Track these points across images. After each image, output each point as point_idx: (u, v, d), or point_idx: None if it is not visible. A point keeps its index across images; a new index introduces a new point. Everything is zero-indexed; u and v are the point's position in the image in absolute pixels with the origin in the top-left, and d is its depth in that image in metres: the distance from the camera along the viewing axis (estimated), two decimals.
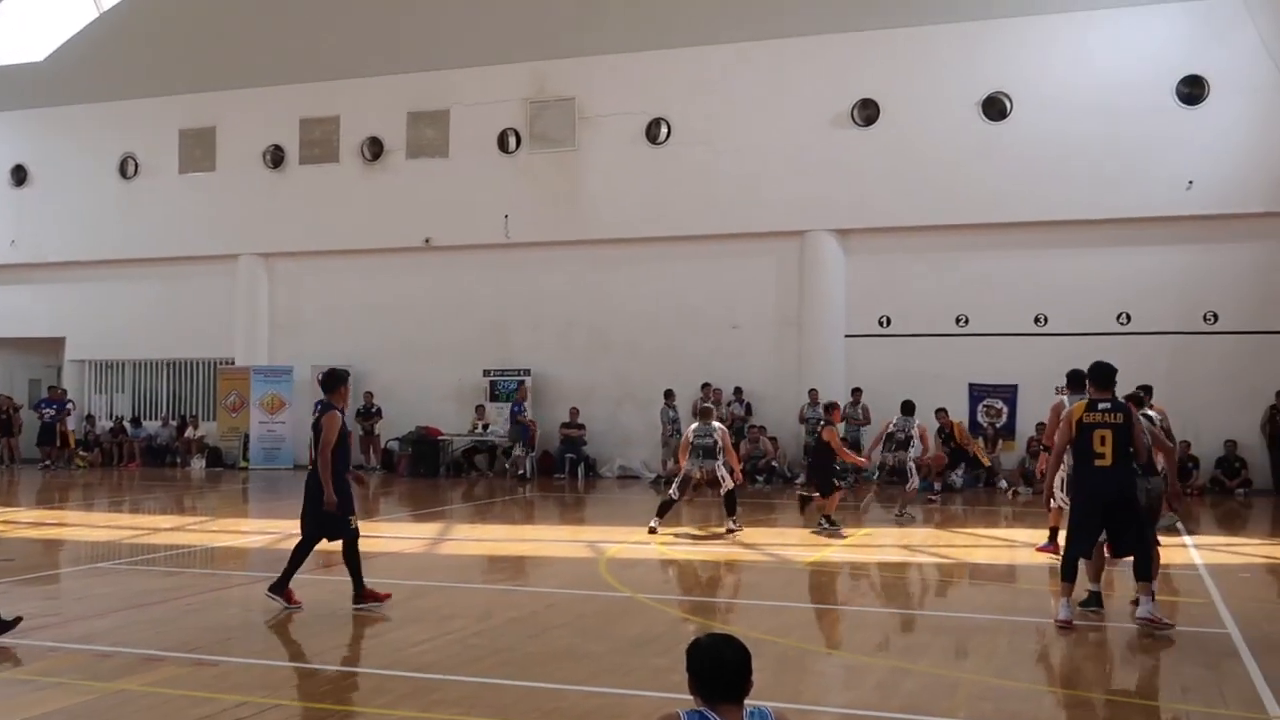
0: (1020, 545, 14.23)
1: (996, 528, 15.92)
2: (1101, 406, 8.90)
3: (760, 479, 22.00)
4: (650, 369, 23.90)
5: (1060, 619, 8.87)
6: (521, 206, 24.80)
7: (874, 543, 14.56)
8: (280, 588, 9.45)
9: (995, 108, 22.08)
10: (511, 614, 9.47)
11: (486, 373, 25.09)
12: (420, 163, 25.84)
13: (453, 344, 25.41)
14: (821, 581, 12.06)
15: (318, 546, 9.65)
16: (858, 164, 22.68)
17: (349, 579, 9.54)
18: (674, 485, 15.12)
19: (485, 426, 24.40)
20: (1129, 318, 21.53)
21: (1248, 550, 13.42)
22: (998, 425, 22.13)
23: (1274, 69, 20.24)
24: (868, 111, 22.83)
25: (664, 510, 14.87)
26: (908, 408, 17.25)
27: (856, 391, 22.31)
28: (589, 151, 24.58)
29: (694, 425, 15.42)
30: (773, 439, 22.67)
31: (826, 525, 14.84)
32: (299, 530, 9.57)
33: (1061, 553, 9.15)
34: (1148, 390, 12.85)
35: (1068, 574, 8.98)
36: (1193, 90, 21.04)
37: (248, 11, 26.58)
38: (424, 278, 25.90)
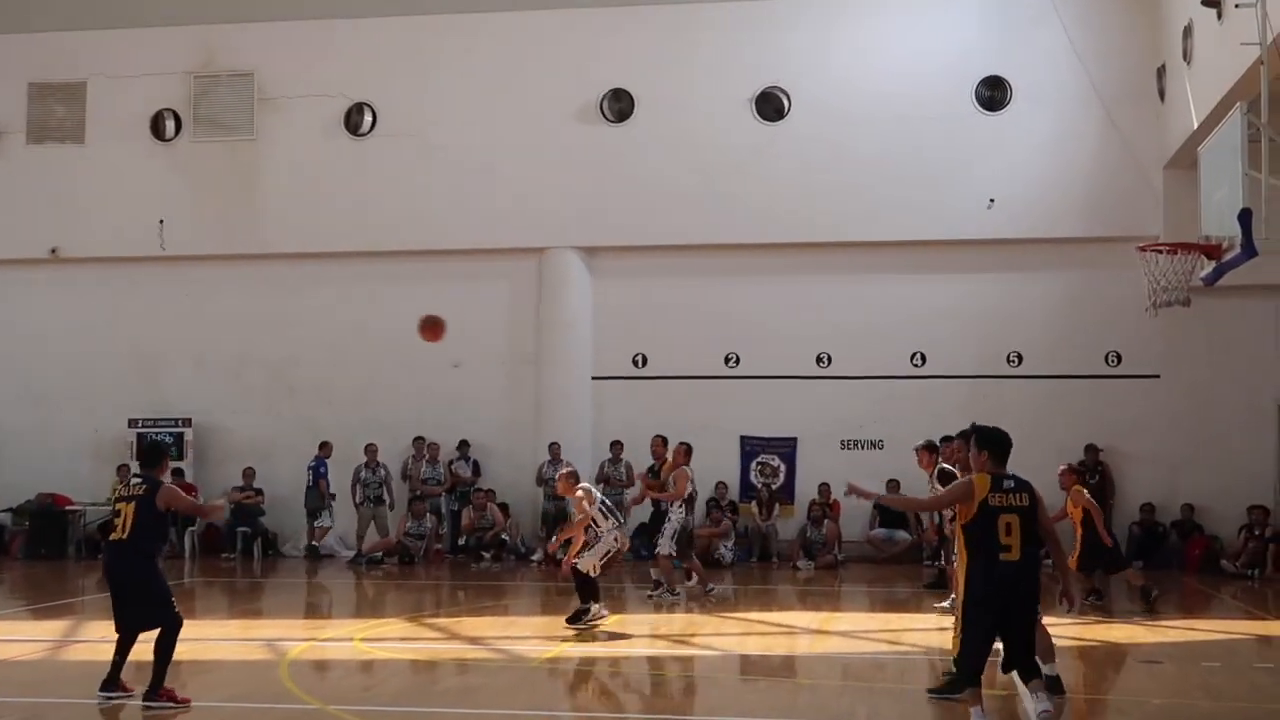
0: (802, 632, 14.67)
1: (772, 610, 16.36)
2: (1007, 485, 8.79)
3: (487, 556, 21.92)
4: (347, 419, 23.45)
5: None
6: (181, 210, 24.03)
7: (624, 632, 14.70)
8: (154, 692, 9.90)
9: (771, 105, 22.90)
10: None
11: (133, 423, 24.06)
12: (47, 150, 24.70)
13: (87, 386, 24.28)
14: (560, 683, 12.09)
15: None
16: (608, 168, 23.06)
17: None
18: (595, 560, 14.67)
19: None
20: (924, 359, 22.63)
21: (1055, 632, 14.21)
22: (774, 486, 22.77)
23: (1081, 71, 21.81)
24: (620, 105, 23.27)
25: (588, 595, 14.47)
26: None
27: (616, 446, 22.48)
28: (271, 142, 24.07)
29: (596, 488, 15.41)
30: (503, 506, 22.62)
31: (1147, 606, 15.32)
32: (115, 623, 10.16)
33: (956, 668, 9.10)
34: (948, 441, 13.45)
35: (972, 681, 8.94)
36: (994, 94, 22.42)
37: None
38: (49, 299, 24.69)
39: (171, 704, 9.85)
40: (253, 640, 14.12)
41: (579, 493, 15.01)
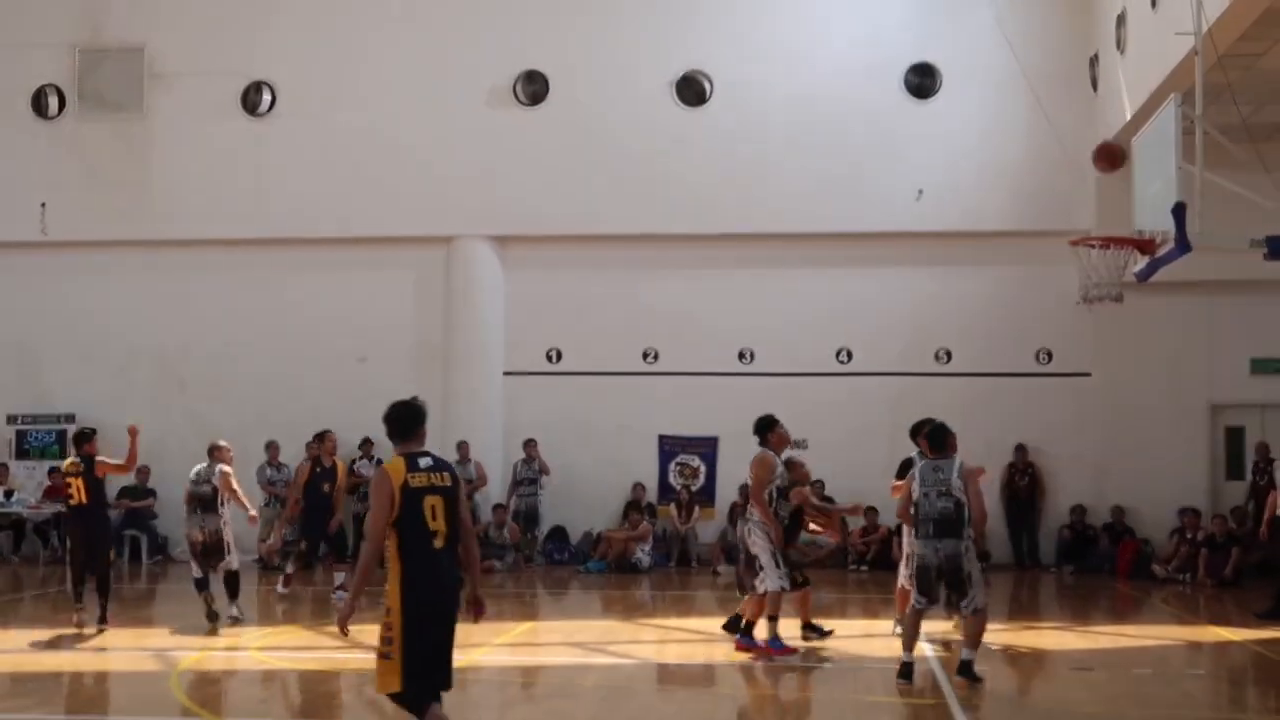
0: (722, 639, 14.76)
1: (690, 617, 16.44)
2: (424, 464, 7.87)
3: None
4: (243, 415, 23.15)
5: None
6: (65, 192, 23.65)
7: (537, 640, 14.71)
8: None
9: (692, 90, 22.98)
10: None
11: (12, 419, 23.73)
12: None
13: None
14: (470, 694, 12.08)
15: None
16: (522, 153, 22.98)
17: None
18: None
19: (9, 493, 23.04)
20: (850, 355, 22.83)
21: (984, 638, 14.41)
22: (693, 488, 22.87)
23: (1012, 59, 22.04)
24: (534, 87, 23.23)
25: None
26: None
27: (529, 444, 22.51)
28: (163, 121, 23.75)
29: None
30: None
31: None
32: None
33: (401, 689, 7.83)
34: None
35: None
36: (923, 81, 22.66)
37: None
38: None
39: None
40: (143, 650, 13.95)
41: None
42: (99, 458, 15.49)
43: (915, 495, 11.53)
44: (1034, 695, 11.96)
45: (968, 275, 22.77)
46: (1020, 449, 22.08)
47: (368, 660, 13.11)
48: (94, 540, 15.47)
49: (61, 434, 23.63)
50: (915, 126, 22.53)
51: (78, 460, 15.44)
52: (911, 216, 22.37)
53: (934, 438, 11.83)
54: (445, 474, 7.87)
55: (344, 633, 8.44)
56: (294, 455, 22.78)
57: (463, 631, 14.96)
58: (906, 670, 11.48)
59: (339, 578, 17.58)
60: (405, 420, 7.96)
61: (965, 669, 11.50)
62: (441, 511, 7.75)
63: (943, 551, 11.41)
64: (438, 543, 7.77)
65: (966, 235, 22.50)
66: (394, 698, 7.83)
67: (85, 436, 15.76)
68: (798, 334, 22.83)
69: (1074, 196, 21.72)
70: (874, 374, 22.55)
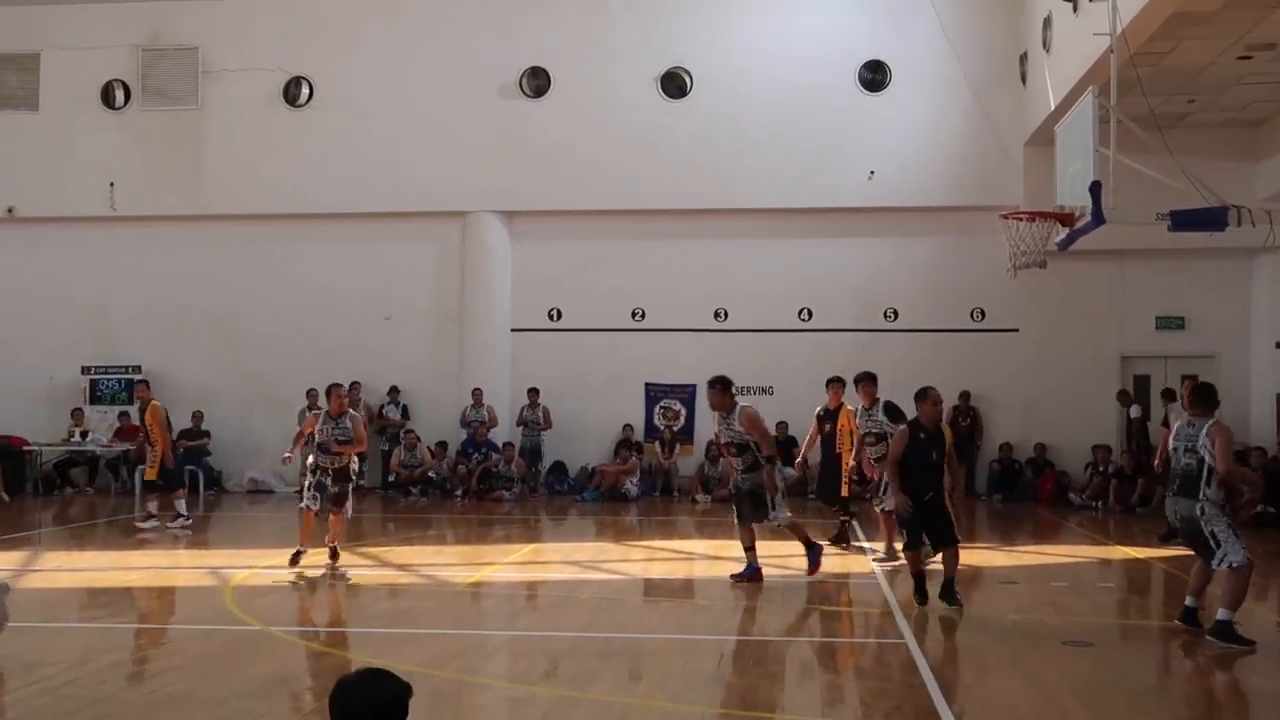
0: (699, 558, 14.81)
1: (672, 539, 16.48)
2: None
3: (415, 490, 21.83)
4: (286, 366, 23.21)
5: None
6: (131, 173, 23.56)
7: (540, 559, 14.75)
8: None
9: (675, 84, 22.84)
10: (114, 656, 9.00)
11: (86, 370, 23.66)
12: (3, 116, 24.02)
13: (42, 336, 23.80)
14: (482, 605, 12.12)
15: None
16: (527, 139, 22.90)
17: None
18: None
19: (84, 434, 22.99)
20: (810, 314, 22.83)
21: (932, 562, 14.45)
22: (675, 428, 22.92)
23: (952, 57, 22.00)
24: (538, 81, 23.08)
25: None
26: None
27: (533, 392, 22.55)
28: (215, 111, 23.61)
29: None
30: (442, 445, 22.40)
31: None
32: None
33: None
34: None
35: None
36: (875, 76, 22.53)
37: None
38: (6, 256, 24.11)
39: None
40: (199, 568, 13.96)
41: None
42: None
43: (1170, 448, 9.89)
44: (967, 605, 11.99)
45: (912, 244, 22.73)
46: (965, 395, 22.05)
47: (394, 577, 13.19)
48: None
49: (129, 383, 23.58)
50: (868, 116, 22.42)
51: None
52: (864, 193, 22.31)
53: (1198, 394, 9.85)
54: None
55: None
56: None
57: (474, 552, 15.09)
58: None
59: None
60: None
61: (1220, 629, 9.46)
62: None
63: (1179, 512, 9.70)
64: None
65: (911, 210, 22.45)
66: None
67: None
68: (765, 295, 22.80)
69: (1004, 176, 21.67)
70: (831, 330, 22.55)
